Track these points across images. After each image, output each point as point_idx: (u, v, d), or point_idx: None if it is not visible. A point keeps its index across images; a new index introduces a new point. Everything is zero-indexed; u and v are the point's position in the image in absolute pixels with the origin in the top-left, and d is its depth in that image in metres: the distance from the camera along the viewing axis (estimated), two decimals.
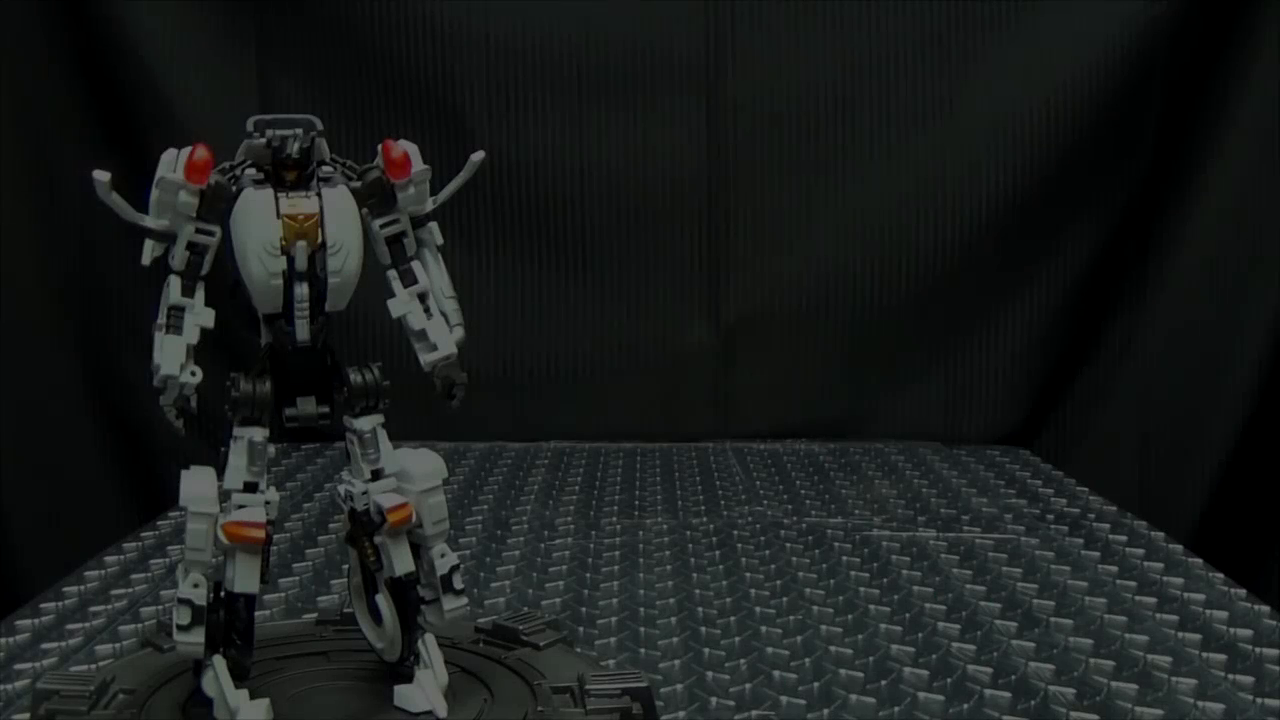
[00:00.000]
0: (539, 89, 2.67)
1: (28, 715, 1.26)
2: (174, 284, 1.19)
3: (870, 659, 1.48)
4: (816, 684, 1.40)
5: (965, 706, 1.34)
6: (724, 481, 2.37)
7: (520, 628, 1.43)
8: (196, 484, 1.19)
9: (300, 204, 1.18)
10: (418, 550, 1.25)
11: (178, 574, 1.20)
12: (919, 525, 2.04)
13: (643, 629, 1.58)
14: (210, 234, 1.18)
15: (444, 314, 1.25)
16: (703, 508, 2.18)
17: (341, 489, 1.27)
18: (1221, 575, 1.78)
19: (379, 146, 1.23)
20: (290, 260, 1.18)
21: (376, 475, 1.24)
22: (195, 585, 1.19)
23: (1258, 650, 1.47)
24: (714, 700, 1.37)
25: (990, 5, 2.64)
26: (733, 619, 1.61)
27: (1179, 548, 1.92)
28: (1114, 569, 1.81)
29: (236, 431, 1.20)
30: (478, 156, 1.27)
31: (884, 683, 1.41)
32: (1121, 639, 1.53)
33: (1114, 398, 2.74)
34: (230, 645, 1.21)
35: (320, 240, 1.18)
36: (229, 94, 2.63)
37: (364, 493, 1.23)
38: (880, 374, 2.74)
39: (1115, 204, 2.69)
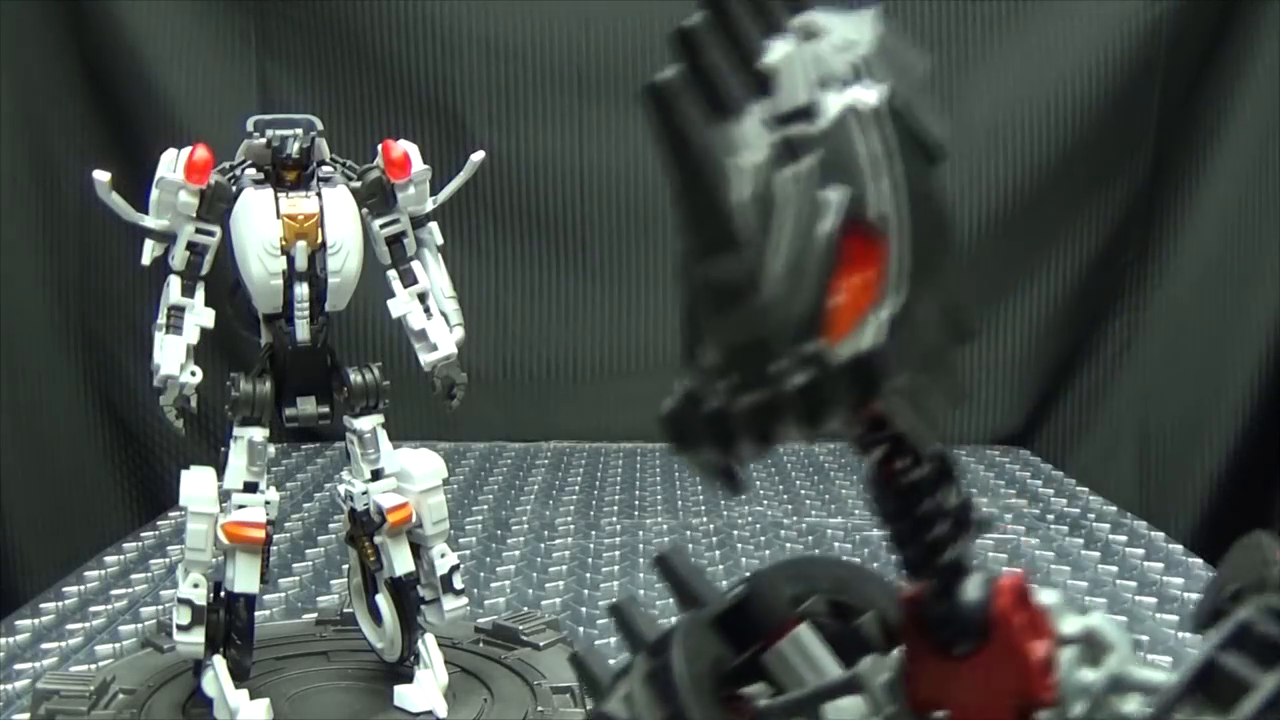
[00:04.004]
0: (539, 89, 2.67)
1: (28, 715, 1.27)
2: (174, 284, 1.19)
3: None
4: None
5: None
6: None
7: (520, 628, 1.43)
8: (196, 484, 1.19)
9: (300, 204, 1.19)
10: (418, 550, 1.25)
11: (178, 574, 1.21)
12: None
13: None
14: (210, 234, 1.18)
15: (444, 314, 1.25)
16: (703, 508, 2.18)
17: (341, 489, 1.27)
18: None
19: (379, 146, 1.24)
20: (290, 260, 1.18)
21: (376, 475, 1.24)
22: (195, 585, 1.19)
23: None
24: None
25: (990, 5, 2.64)
26: None
27: (1179, 548, 1.92)
28: (1114, 569, 1.81)
29: (236, 431, 1.21)
30: (477, 156, 1.27)
31: None
32: None
33: (1114, 398, 2.74)
34: (230, 645, 1.21)
35: (320, 240, 1.19)
36: (229, 94, 2.63)
37: (364, 493, 1.23)
38: None
39: (1115, 204, 2.69)
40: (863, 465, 0.54)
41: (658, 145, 0.46)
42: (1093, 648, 0.56)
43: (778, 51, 0.47)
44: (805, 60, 0.47)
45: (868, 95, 0.47)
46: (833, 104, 0.47)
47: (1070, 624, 0.56)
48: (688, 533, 2.02)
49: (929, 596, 0.55)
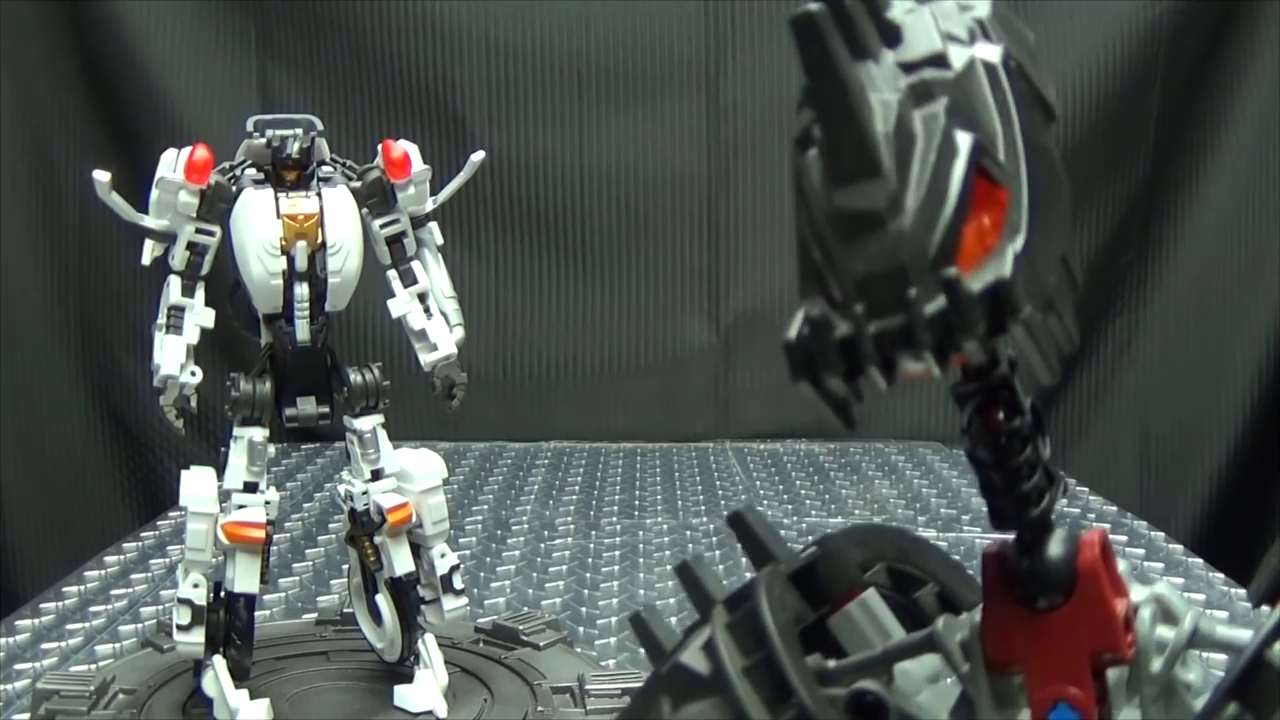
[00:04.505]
0: (539, 89, 2.67)
1: (28, 715, 1.27)
2: (174, 284, 1.19)
3: None
4: None
5: None
6: (724, 481, 2.37)
7: (520, 628, 1.43)
8: (196, 484, 1.19)
9: (300, 204, 1.19)
10: (418, 550, 1.25)
11: (178, 574, 1.21)
12: (919, 525, 2.04)
13: None
14: (210, 234, 1.18)
15: (444, 314, 1.25)
16: (703, 508, 2.18)
17: (341, 489, 1.27)
18: (1221, 575, 1.78)
19: (379, 146, 1.24)
20: (290, 260, 1.18)
21: (376, 475, 1.24)
22: (195, 585, 1.19)
23: None
24: None
25: None
26: None
27: (1179, 548, 1.92)
28: None
29: (236, 431, 1.21)
30: (477, 157, 1.27)
31: None
32: None
33: (1114, 398, 2.75)
34: (230, 645, 1.21)
35: (320, 240, 1.19)
36: (229, 94, 2.64)
37: (364, 493, 1.23)
38: None
39: (1115, 204, 2.69)
40: (962, 415, 0.54)
41: (806, 75, 0.47)
42: (1164, 612, 0.58)
43: (902, 7, 0.49)
44: (931, 15, 0.49)
45: (990, 51, 0.49)
46: (959, 55, 0.48)
47: (1136, 591, 0.58)
48: (688, 533, 2.02)
49: (1015, 551, 0.56)
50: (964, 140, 0.47)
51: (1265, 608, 0.57)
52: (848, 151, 0.47)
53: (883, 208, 0.46)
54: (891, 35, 0.48)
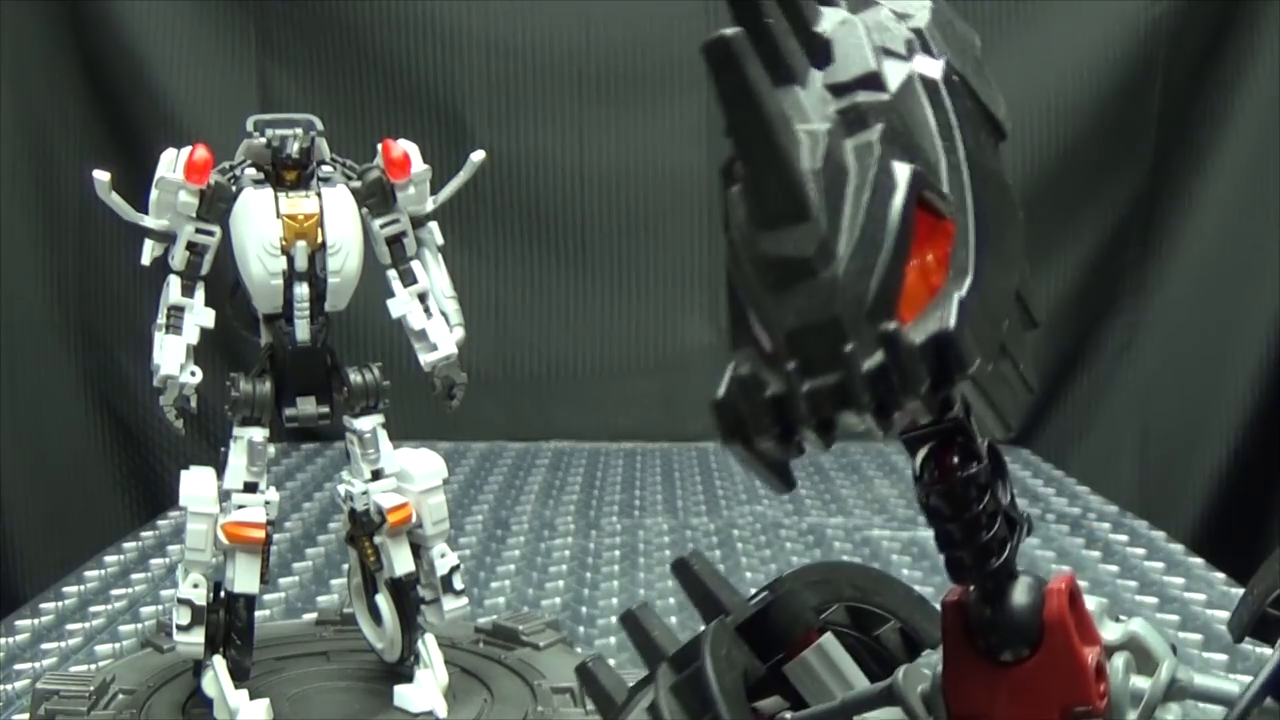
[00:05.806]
0: (539, 89, 2.67)
1: (28, 715, 1.27)
2: (174, 284, 1.19)
3: None
4: None
5: None
6: (724, 481, 2.37)
7: (520, 628, 1.43)
8: (196, 484, 1.19)
9: (300, 204, 1.19)
10: (418, 550, 1.25)
11: (178, 574, 1.21)
12: (919, 525, 2.04)
13: None
14: (210, 234, 1.19)
15: (444, 314, 1.25)
16: (703, 508, 2.18)
17: (341, 489, 1.27)
18: (1222, 575, 1.78)
19: (379, 146, 1.24)
20: (290, 260, 1.18)
21: (376, 475, 1.24)
22: (195, 585, 1.19)
23: (1258, 650, 1.47)
24: None
25: (990, 5, 2.64)
26: None
27: (1179, 548, 1.92)
28: (1114, 569, 1.81)
29: (236, 431, 1.21)
30: (477, 156, 1.27)
31: None
32: None
33: (1114, 398, 2.74)
34: (230, 645, 1.21)
35: (320, 240, 1.19)
36: (229, 94, 2.64)
37: (364, 493, 1.23)
38: None
39: (1115, 204, 2.69)
40: (913, 462, 0.50)
41: (721, 107, 0.42)
42: (1137, 655, 0.54)
43: (833, 19, 0.44)
44: (864, 28, 0.44)
45: (931, 66, 0.44)
46: (896, 73, 0.44)
47: (1110, 630, 0.54)
48: (688, 532, 2.02)
49: (976, 601, 0.52)
50: (902, 172, 0.42)
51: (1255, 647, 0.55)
52: (772, 192, 0.42)
53: (812, 255, 0.42)
54: (820, 54, 0.43)
